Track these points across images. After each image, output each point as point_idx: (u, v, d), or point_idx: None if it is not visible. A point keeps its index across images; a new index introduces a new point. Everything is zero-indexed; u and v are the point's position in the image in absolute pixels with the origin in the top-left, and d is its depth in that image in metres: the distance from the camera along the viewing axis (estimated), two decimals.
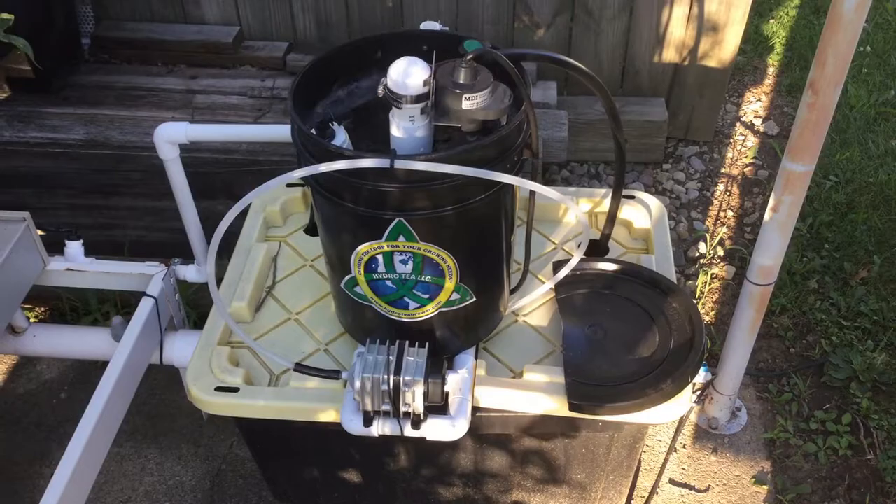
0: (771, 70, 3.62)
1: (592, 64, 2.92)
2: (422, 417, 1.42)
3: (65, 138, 2.53)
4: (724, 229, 2.84)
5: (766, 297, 1.97)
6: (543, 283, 1.70)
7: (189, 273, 2.01)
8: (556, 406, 1.48)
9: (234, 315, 1.70)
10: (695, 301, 2.57)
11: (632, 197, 1.90)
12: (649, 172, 3.03)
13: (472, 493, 1.81)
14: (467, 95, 1.30)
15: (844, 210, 2.85)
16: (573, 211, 1.46)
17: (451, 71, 1.32)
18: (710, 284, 2.66)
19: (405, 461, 1.71)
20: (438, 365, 1.43)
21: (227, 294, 1.71)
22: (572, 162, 3.03)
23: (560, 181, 2.98)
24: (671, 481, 2.17)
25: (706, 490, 2.15)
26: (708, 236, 2.79)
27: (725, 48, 2.85)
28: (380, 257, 1.39)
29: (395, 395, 1.39)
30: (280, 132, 1.76)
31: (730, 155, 3.14)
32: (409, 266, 1.40)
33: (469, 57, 1.32)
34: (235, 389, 1.53)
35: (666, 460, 1.95)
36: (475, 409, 1.50)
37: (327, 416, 1.50)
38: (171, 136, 1.76)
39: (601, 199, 1.90)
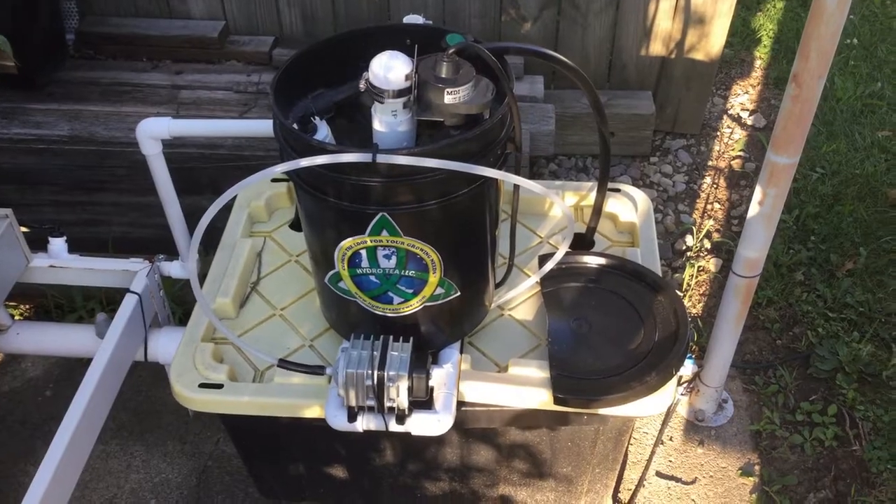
0: (758, 63, 3.63)
1: (579, 58, 2.92)
2: (406, 412, 1.41)
3: (49, 134, 2.51)
4: (711, 222, 2.85)
5: (752, 290, 1.97)
6: (529, 276, 1.70)
7: (173, 269, 1.99)
8: (542, 400, 1.48)
9: (219, 311, 1.69)
10: (681, 294, 2.57)
11: (617, 190, 1.90)
12: (637, 165, 3.03)
13: (458, 487, 1.81)
14: (449, 90, 1.29)
15: (831, 202, 2.86)
16: (557, 204, 1.46)
17: (433, 65, 1.31)
18: (696, 277, 2.66)
19: (391, 456, 1.71)
20: (423, 360, 1.43)
21: (211, 290, 1.71)
22: (560, 155, 3.03)
23: (548, 175, 2.98)
24: (658, 474, 2.17)
25: (693, 482, 2.15)
26: (695, 229, 2.80)
27: (712, 41, 2.85)
28: (363, 252, 1.39)
29: (379, 390, 1.39)
30: (263, 127, 1.75)
31: (717, 148, 3.15)
32: (393, 261, 1.39)
33: (451, 51, 1.32)
34: (220, 386, 1.52)
35: (653, 453, 1.96)
36: (460, 403, 1.50)
37: (312, 411, 1.49)
38: (153, 132, 1.75)
39: (587, 192, 1.90)
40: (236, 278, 1.73)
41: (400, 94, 1.29)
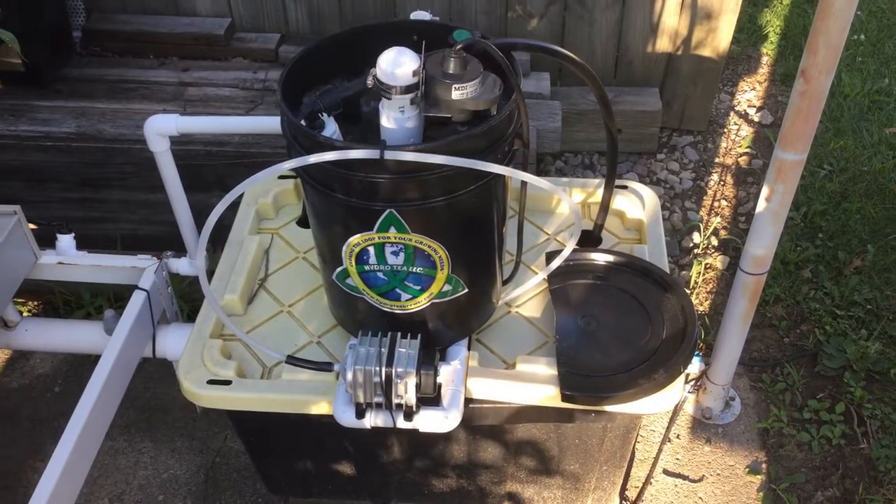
0: (765, 59, 3.62)
1: (586, 54, 2.91)
2: (414, 409, 1.41)
3: (56, 131, 2.51)
4: (718, 219, 2.84)
5: (760, 287, 1.97)
6: (536, 273, 1.69)
7: (181, 266, 2.00)
8: (550, 396, 1.48)
9: (227, 308, 1.70)
10: (688, 291, 2.57)
11: (625, 187, 1.90)
12: (643, 162, 3.03)
13: (465, 484, 1.81)
14: (457, 85, 1.29)
15: (838, 199, 2.85)
16: (565, 201, 1.46)
17: (440, 61, 1.31)
18: (703, 274, 2.66)
19: (398, 453, 1.71)
20: (431, 356, 1.43)
21: (219, 287, 1.71)
22: (566, 152, 3.02)
23: (554, 172, 2.97)
24: (665, 471, 2.17)
25: (700, 480, 2.15)
26: (702, 226, 2.79)
27: (719, 37, 2.84)
28: (371, 249, 1.39)
29: (387, 387, 1.39)
30: (270, 124, 1.75)
31: (724, 145, 3.14)
32: (401, 257, 1.39)
33: (458, 47, 1.31)
34: (228, 382, 1.52)
35: (660, 450, 1.95)
36: (468, 400, 1.50)
37: (320, 408, 1.49)
38: (161, 129, 1.75)
39: (594, 189, 1.90)
40: (244, 275, 1.73)
41: (407, 90, 1.29)
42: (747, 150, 3.11)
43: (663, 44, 2.89)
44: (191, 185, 2.00)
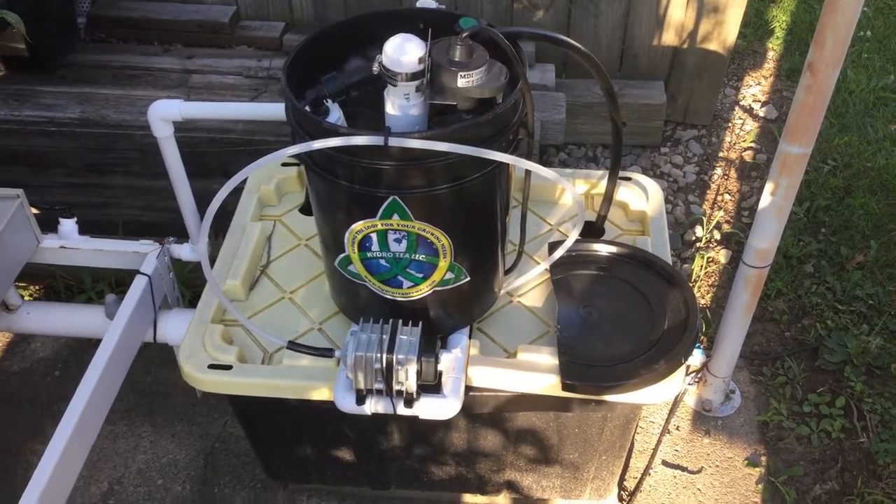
0: (771, 54, 3.61)
1: (591, 46, 2.90)
2: (414, 396, 1.42)
3: (60, 117, 2.51)
4: (722, 213, 2.84)
5: (762, 280, 1.97)
6: (538, 263, 1.69)
7: (183, 252, 2.00)
8: (550, 385, 1.48)
9: (228, 293, 1.70)
10: (690, 283, 2.57)
11: (628, 178, 1.90)
12: (647, 156, 3.02)
13: (464, 472, 1.81)
14: (463, 73, 1.29)
15: (842, 194, 2.85)
16: (569, 190, 1.45)
17: (446, 48, 1.31)
18: (706, 268, 2.66)
19: (398, 440, 1.71)
20: (432, 344, 1.43)
21: (221, 272, 1.71)
22: (570, 145, 3.02)
23: (557, 164, 2.97)
24: (664, 462, 2.17)
25: (699, 471, 2.15)
26: (705, 220, 2.79)
27: (725, 31, 2.83)
28: (374, 236, 1.39)
29: (387, 374, 1.39)
30: (275, 110, 1.75)
31: (728, 139, 3.13)
32: (403, 245, 1.39)
33: (465, 34, 1.31)
34: (229, 367, 1.53)
35: (659, 441, 1.96)
36: (468, 388, 1.50)
37: (320, 394, 1.50)
38: (165, 114, 1.75)
39: (598, 180, 1.89)
40: (246, 261, 1.73)
41: (413, 77, 1.28)
42: (752, 144, 3.11)
43: (669, 37, 2.88)
44: (194, 172, 2.00)
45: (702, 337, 2.43)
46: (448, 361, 1.45)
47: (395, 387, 1.40)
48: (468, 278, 1.48)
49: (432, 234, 1.38)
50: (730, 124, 3.20)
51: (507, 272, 1.65)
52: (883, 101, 3.26)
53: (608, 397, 1.49)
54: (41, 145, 2.54)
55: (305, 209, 1.91)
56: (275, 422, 1.72)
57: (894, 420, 2.20)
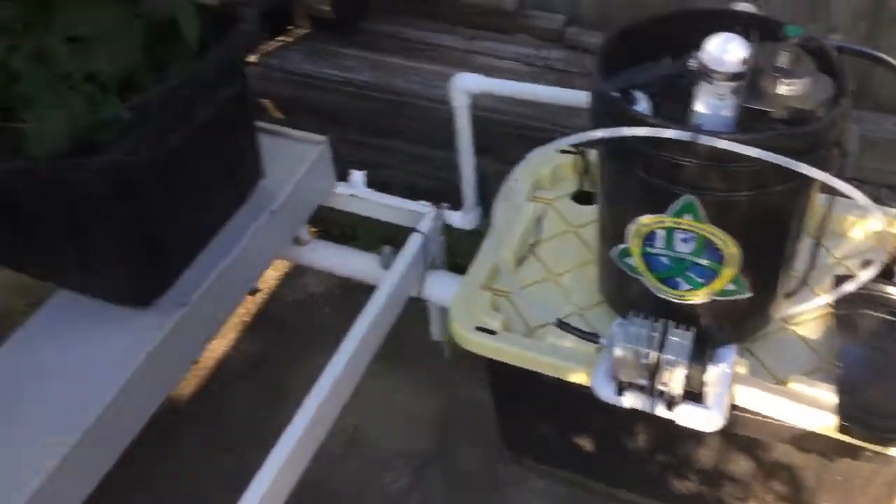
0: None
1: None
2: (677, 400, 1.40)
3: (357, 78, 2.71)
4: None
5: None
6: (818, 295, 1.60)
7: (455, 219, 2.11)
8: (824, 424, 1.39)
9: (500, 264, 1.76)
10: None
11: None
12: None
13: (705, 491, 1.76)
14: (786, 80, 1.25)
15: None
16: (879, 223, 1.36)
17: (771, 53, 1.27)
18: None
19: (643, 442, 1.70)
20: (701, 352, 1.40)
21: (492, 245, 1.78)
22: (853, 180, 2.79)
23: None
24: None
25: None
26: None
27: None
28: (660, 232, 1.38)
29: (654, 371, 1.38)
30: (572, 97, 1.78)
31: None
32: (690, 246, 1.38)
33: (794, 41, 1.27)
34: (494, 332, 1.59)
35: None
36: (732, 406, 1.45)
37: (578, 377, 1.52)
38: (467, 86, 1.87)
39: (894, 219, 1.75)
40: (517, 238, 1.79)
41: (733, 77, 1.26)
42: None
43: None
44: None
45: None
46: (714, 374, 1.41)
47: (658, 386, 1.39)
48: (749, 294, 1.43)
49: (721, 241, 1.35)
50: None
51: (787, 296, 1.57)
52: None
53: (891, 450, 1.38)
54: (334, 101, 2.76)
55: (579, 198, 1.94)
56: (525, 396, 1.77)
57: None
